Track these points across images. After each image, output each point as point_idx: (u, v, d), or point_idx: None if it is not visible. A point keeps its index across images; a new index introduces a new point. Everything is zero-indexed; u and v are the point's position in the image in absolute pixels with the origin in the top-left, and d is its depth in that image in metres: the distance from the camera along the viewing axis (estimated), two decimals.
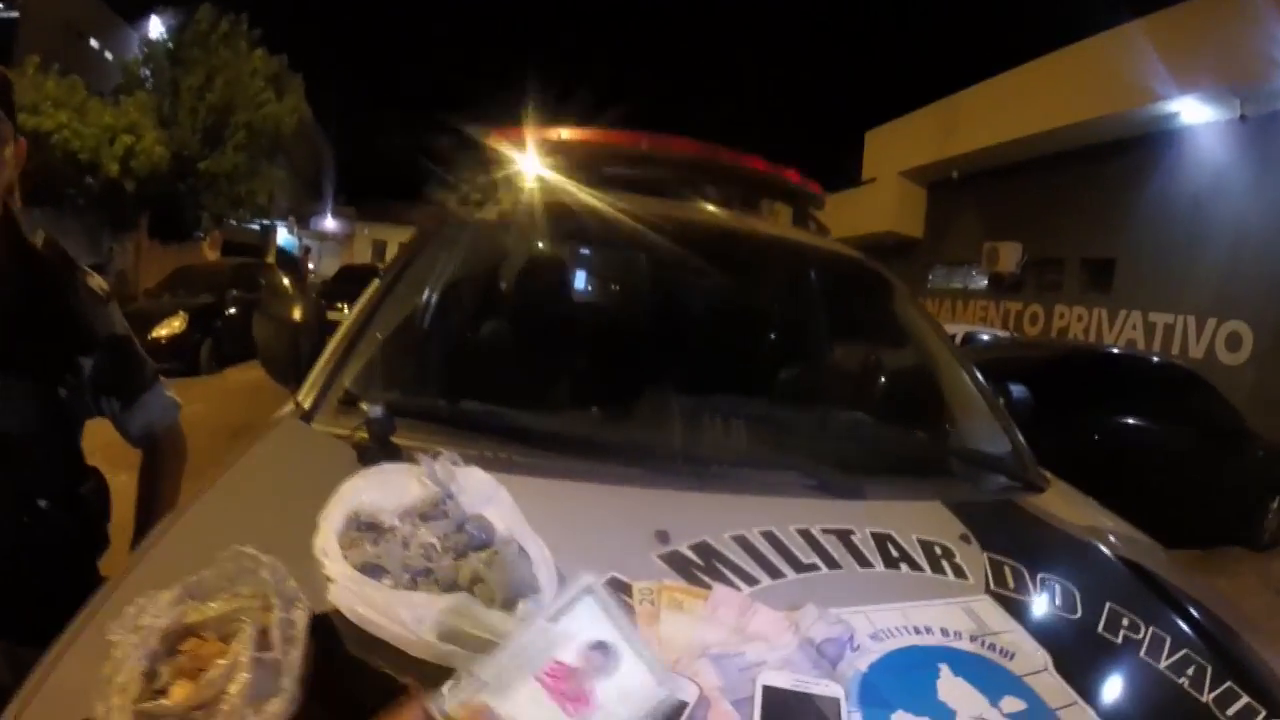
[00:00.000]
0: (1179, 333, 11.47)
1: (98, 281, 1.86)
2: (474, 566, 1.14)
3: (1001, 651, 1.31)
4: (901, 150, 17.82)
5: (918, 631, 1.30)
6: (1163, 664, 1.37)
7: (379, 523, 1.17)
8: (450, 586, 1.11)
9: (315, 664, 0.95)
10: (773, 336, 2.54)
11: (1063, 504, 1.98)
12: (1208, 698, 1.31)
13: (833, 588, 1.37)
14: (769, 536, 1.47)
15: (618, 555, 1.33)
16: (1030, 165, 14.03)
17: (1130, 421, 6.98)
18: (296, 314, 2.02)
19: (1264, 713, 1.30)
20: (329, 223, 35.34)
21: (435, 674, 0.99)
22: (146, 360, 1.98)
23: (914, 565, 1.50)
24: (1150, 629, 1.44)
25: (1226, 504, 7.58)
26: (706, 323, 2.56)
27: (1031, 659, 1.31)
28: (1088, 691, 1.26)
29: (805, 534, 1.50)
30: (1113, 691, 1.31)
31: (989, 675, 1.25)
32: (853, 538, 1.52)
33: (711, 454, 1.84)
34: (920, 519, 1.66)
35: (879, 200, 17.93)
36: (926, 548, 1.55)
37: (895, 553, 1.52)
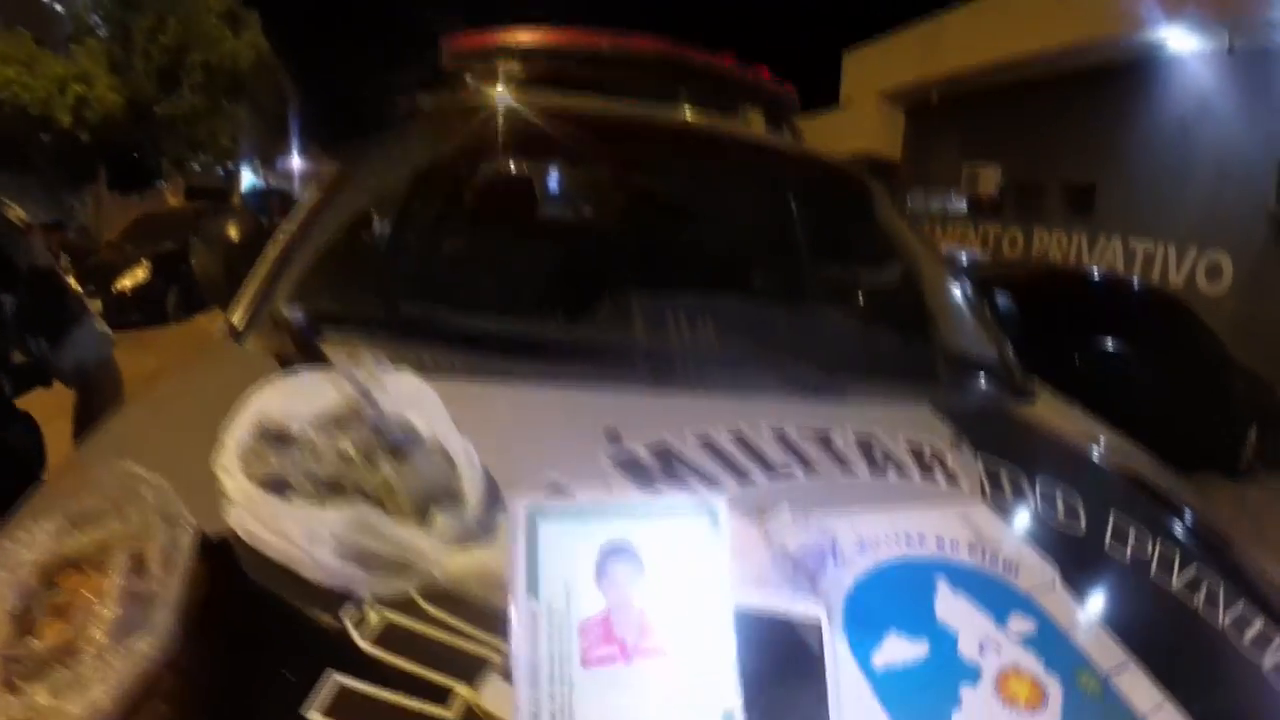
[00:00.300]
0: (1159, 261, 11.44)
1: (16, 213, 1.75)
2: (384, 474, 0.99)
3: (1004, 565, 1.16)
4: (880, 72, 17.44)
5: (909, 542, 1.14)
6: (1175, 585, 1.24)
7: (287, 433, 1.04)
8: (359, 498, 0.98)
9: (205, 594, 0.84)
10: (745, 239, 2.36)
11: (1055, 413, 1.84)
12: (1224, 621, 1.19)
13: (810, 493, 1.22)
14: (737, 437, 1.30)
15: (558, 456, 1.17)
16: (1012, 89, 13.84)
17: (1111, 345, 6.88)
18: (232, 233, 1.90)
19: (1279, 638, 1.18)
20: (297, 163, 34.74)
21: (337, 601, 0.89)
22: (74, 293, 1.88)
23: (901, 471, 1.34)
24: (1158, 545, 1.31)
25: (1206, 431, 7.51)
26: (671, 225, 2.38)
27: (1038, 574, 1.16)
28: (1100, 610, 1.13)
29: (779, 435, 1.34)
30: (1127, 613, 1.16)
31: (992, 591, 1.09)
32: (832, 440, 1.36)
33: (673, 350, 1.68)
34: (906, 422, 1.50)
35: (857, 122, 17.64)
36: (915, 452, 1.40)
37: (880, 457, 1.36)
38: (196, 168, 25.81)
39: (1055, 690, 0.97)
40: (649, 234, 2.32)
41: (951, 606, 1.03)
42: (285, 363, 1.33)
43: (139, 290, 10.65)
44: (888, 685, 0.92)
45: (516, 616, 0.78)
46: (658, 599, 0.80)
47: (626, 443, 1.23)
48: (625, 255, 2.18)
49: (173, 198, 23.29)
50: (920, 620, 1.00)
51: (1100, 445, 1.72)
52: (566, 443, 1.24)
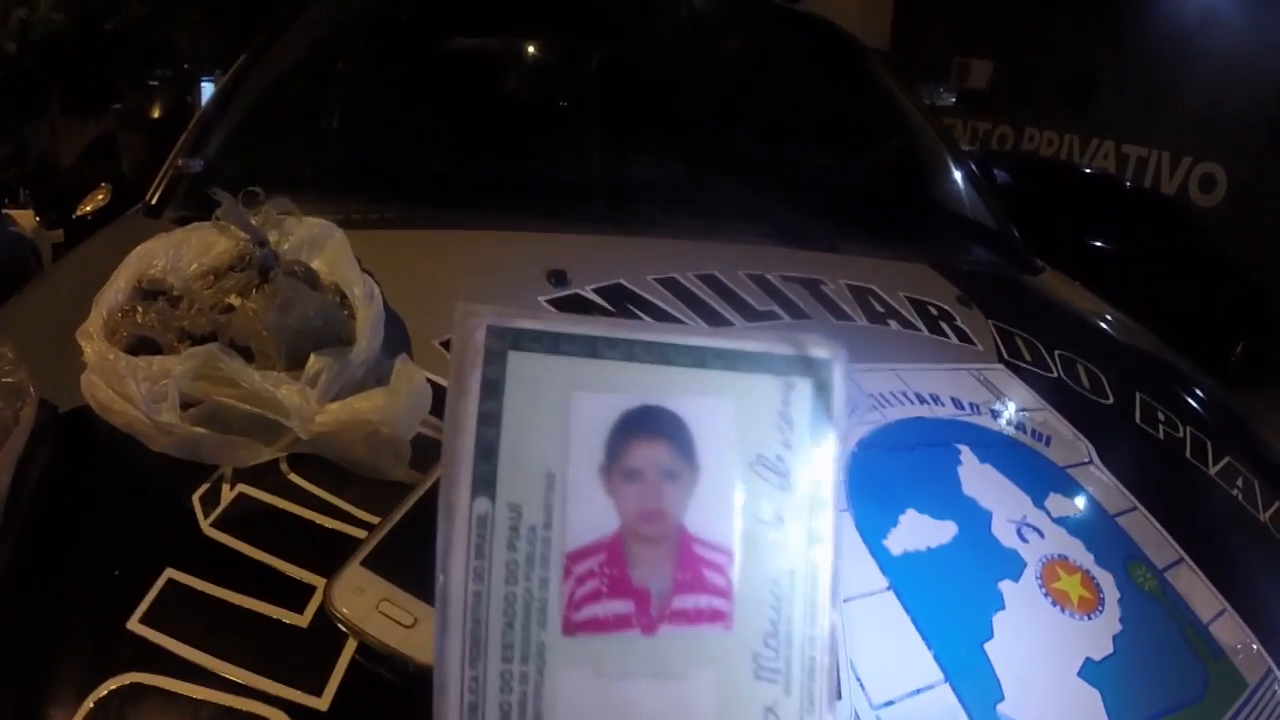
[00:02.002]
0: (1152, 167, 11.26)
1: None
2: (256, 317, 0.78)
3: (1034, 434, 0.96)
4: None
5: (922, 400, 0.93)
6: (1211, 471, 1.06)
7: (165, 289, 0.85)
8: (231, 348, 0.76)
9: (41, 476, 0.71)
10: (723, 88, 2.11)
11: (1063, 287, 1.66)
12: (1265, 516, 1.03)
13: None
14: (709, 280, 1.09)
15: (487, 300, 0.91)
16: None
17: (1102, 244, 6.76)
18: (155, 110, 1.80)
19: None
20: None
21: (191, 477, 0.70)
22: None
23: (905, 323, 1.13)
24: (1189, 428, 1.12)
25: (1194, 339, 7.41)
26: (640, 69, 2.12)
27: (1072, 448, 0.96)
28: (1142, 494, 0.92)
29: (759, 280, 1.12)
30: (1171, 498, 0.97)
31: (1026, 463, 0.89)
32: (823, 287, 1.15)
33: (636, 191, 1.46)
34: (906, 277, 1.30)
35: (843, 7, 17.21)
36: (919, 306, 1.19)
37: (880, 308, 1.15)
38: (154, 83, 25.05)
39: (1110, 587, 0.77)
40: (619, 83, 2.07)
41: (980, 479, 0.82)
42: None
43: (100, 213, 10.64)
44: (906, 576, 0.70)
45: (447, 528, 0.40)
46: (716, 519, 0.44)
47: (573, 285, 1.02)
48: (586, 100, 1.94)
49: None
50: (943, 494, 0.79)
51: (1114, 322, 1.54)
52: (499, 286, 1.03)
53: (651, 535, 0.42)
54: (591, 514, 0.41)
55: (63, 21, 19.71)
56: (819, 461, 0.45)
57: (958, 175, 1.94)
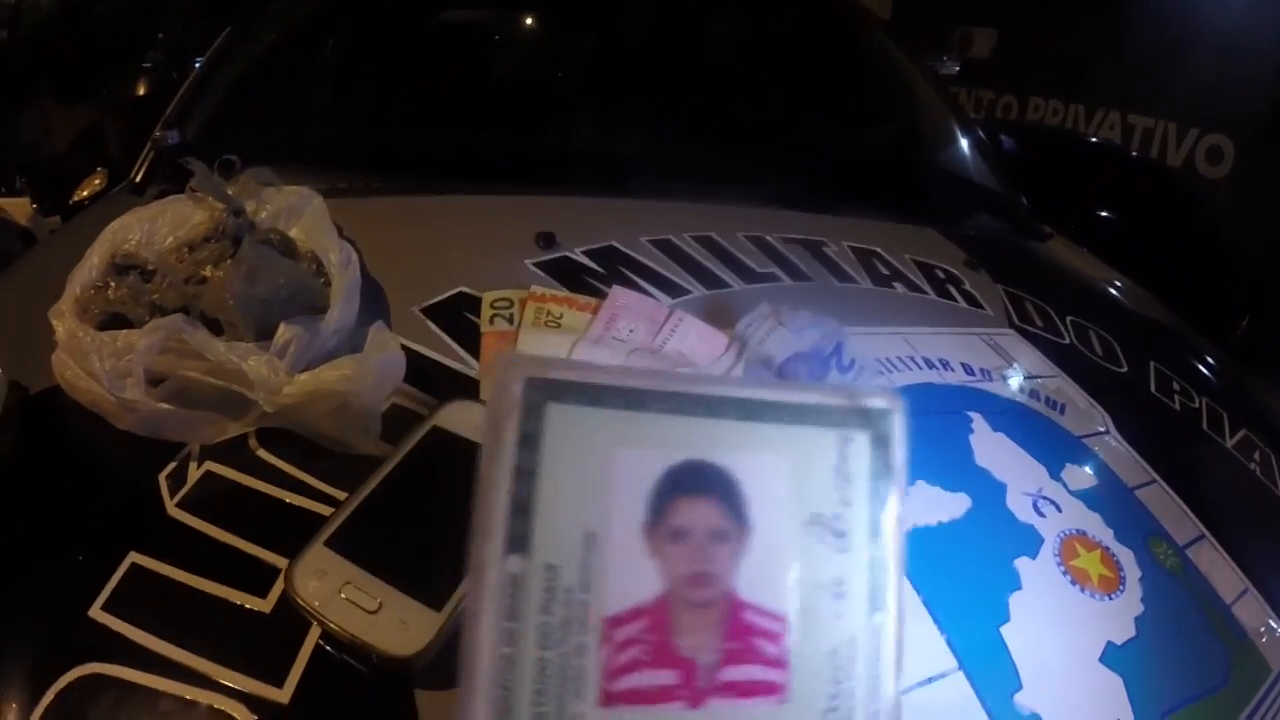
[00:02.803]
0: (1158, 138, 11.09)
1: None
2: (225, 287, 0.74)
3: (1048, 401, 0.91)
4: None
5: (930, 365, 0.88)
6: (1229, 443, 1.01)
7: (139, 263, 0.83)
8: (202, 322, 0.73)
9: (13, 459, 0.70)
10: (720, 53, 2.06)
11: (1071, 254, 1.61)
12: None
13: (801, 302, 0.93)
14: (706, 242, 1.04)
15: (472, 265, 0.92)
16: None
17: (1105, 214, 6.70)
18: (140, 88, 1.80)
19: None
20: None
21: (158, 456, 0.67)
22: None
23: (912, 286, 1.09)
24: (1204, 399, 1.08)
25: (1196, 315, 7.37)
26: (634, 33, 2.07)
27: (1087, 417, 0.92)
28: (1161, 467, 0.88)
29: (758, 241, 1.07)
30: (1189, 472, 0.92)
31: (1040, 432, 0.85)
32: (826, 249, 1.10)
33: (629, 155, 1.40)
34: (912, 240, 1.25)
35: None
36: (925, 269, 1.14)
37: (885, 270, 1.10)
38: (146, 66, 24.89)
39: (1131, 565, 0.72)
40: (608, 44, 2.03)
41: (993, 448, 0.78)
42: None
43: (97, 199, 10.65)
44: (917, 553, 0.64)
45: (476, 586, 0.36)
46: (769, 583, 0.39)
47: (562, 247, 0.97)
48: (577, 66, 1.91)
49: None
50: (956, 465, 0.75)
51: (1122, 288, 1.50)
52: (485, 250, 0.99)
53: (699, 599, 0.37)
54: (633, 576, 0.37)
55: (52, 7, 19.63)
56: (880, 520, 0.40)
57: (963, 141, 1.88)
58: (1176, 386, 1.08)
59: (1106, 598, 0.68)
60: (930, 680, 0.58)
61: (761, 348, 0.74)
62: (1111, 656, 0.64)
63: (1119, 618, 0.67)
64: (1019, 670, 0.60)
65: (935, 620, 0.61)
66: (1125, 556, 0.73)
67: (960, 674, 0.59)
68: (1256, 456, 1.01)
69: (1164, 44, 10.80)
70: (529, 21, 2.06)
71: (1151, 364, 1.11)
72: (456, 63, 1.80)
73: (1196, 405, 1.06)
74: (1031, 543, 0.70)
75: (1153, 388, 1.06)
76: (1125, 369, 1.08)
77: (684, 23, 2.00)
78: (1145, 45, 11.15)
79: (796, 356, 0.73)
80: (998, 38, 13.40)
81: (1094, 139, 10.49)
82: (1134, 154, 9.66)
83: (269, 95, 1.65)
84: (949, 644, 0.60)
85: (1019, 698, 0.58)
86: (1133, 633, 0.66)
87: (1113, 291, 1.46)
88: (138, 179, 1.30)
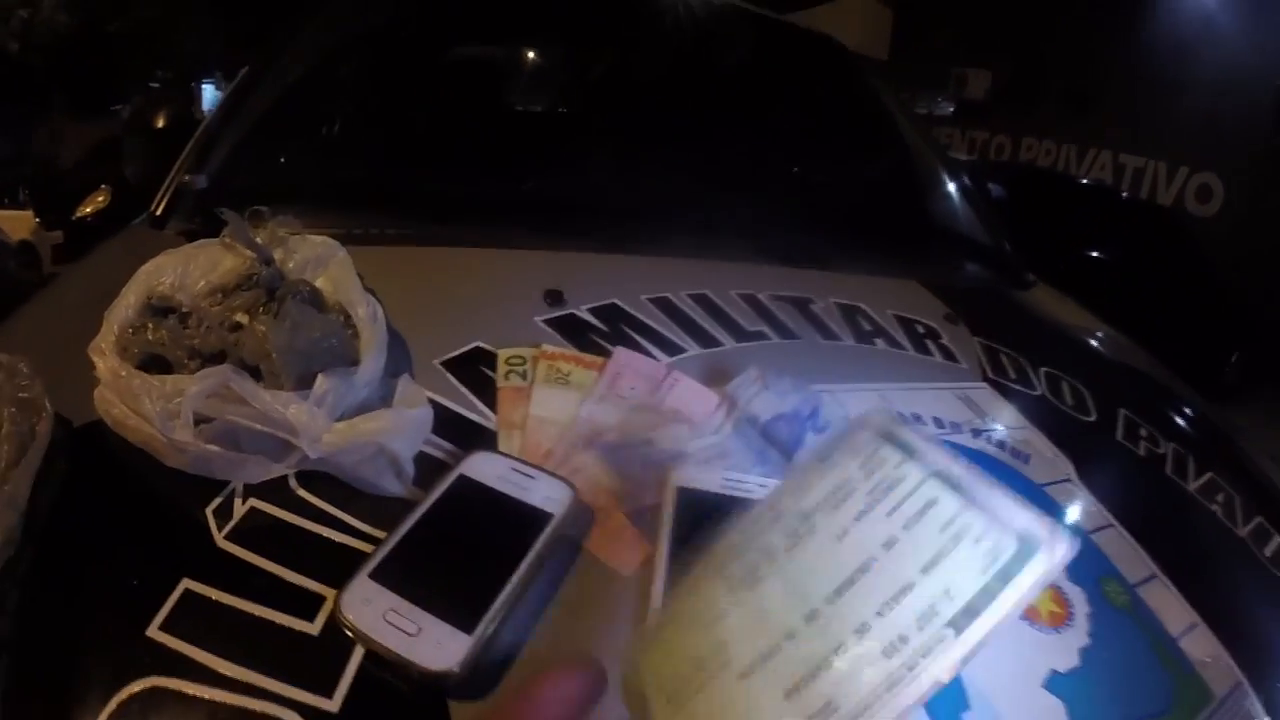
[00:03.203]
0: (1149, 177, 11.27)
1: None
2: (265, 338, 0.81)
3: (1013, 452, 0.99)
4: None
5: (905, 421, 0.94)
6: (1191, 487, 1.08)
7: (174, 306, 0.88)
8: (241, 368, 0.79)
9: (59, 490, 0.73)
10: (719, 105, 2.13)
11: (1054, 302, 1.68)
12: (1244, 532, 1.04)
13: (787, 361, 1.03)
14: (701, 300, 1.12)
15: (486, 320, 0.99)
16: None
17: (1097, 254, 6.78)
18: (159, 120, 1.80)
19: None
20: None
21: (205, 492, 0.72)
22: None
23: (892, 342, 1.16)
24: (1171, 444, 1.15)
25: (1189, 350, 7.45)
26: (638, 89, 2.14)
27: (1051, 466, 0.99)
28: (1120, 511, 0.95)
29: (750, 299, 1.16)
30: (1148, 515, 0.99)
31: (1003, 481, 0.89)
32: (813, 306, 1.18)
33: (632, 211, 1.48)
34: (895, 294, 1.33)
35: (842, 19, 17.04)
36: (906, 325, 1.22)
37: (868, 326, 1.18)
38: (155, 86, 24.73)
39: (1081, 602, 0.79)
40: (618, 98, 2.10)
41: None
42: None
43: (100, 215, 10.47)
44: None
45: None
46: None
47: (569, 305, 1.05)
48: (585, 119, 1.98)
49: None
50: None
51: (1103, 337, 1.57)
52: (498, 305, 1.06)
53: None
54: None
55: (66, 23, 19.51)
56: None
57: (951, 189, 1.97)
58: (1144, 433, 1.15)
59: (1054, 631, 0.75)
60: None
61: (749, 408, 0.82)
62: (1055, 683, 0.70)
63: (1064, 649, 0.73)
64: (967, 693, 0.66)
65: None
66: (1076, 595, 0.79)
67: None
68: (1220, 499, 1.07)
69: (1154, 85, 10.92)
70: (536, 70, 2.14)
71: (1121, 412, 1.18)
72: (467, 107, 1.88)
73: (1162, 450, 1.13)
74: None
75: (1119, 435, 1.13)
76: (1094, 417, 1.15)
77: (681, 74, 2.08)
78: (1136, 86, 11.27)
79: (779, 417, 0.81)
80: (992, 79, 13.46)
81: (1085, 180, 10.57)
82: (1124, 194, 9.73)
83: (286, 134, 1.71)
84: None
85: (966, 716, 0.65)
86: (1077, 663, 0.73)
87: (1091, 340, 1.53)
88: (158, 212, 1.37)
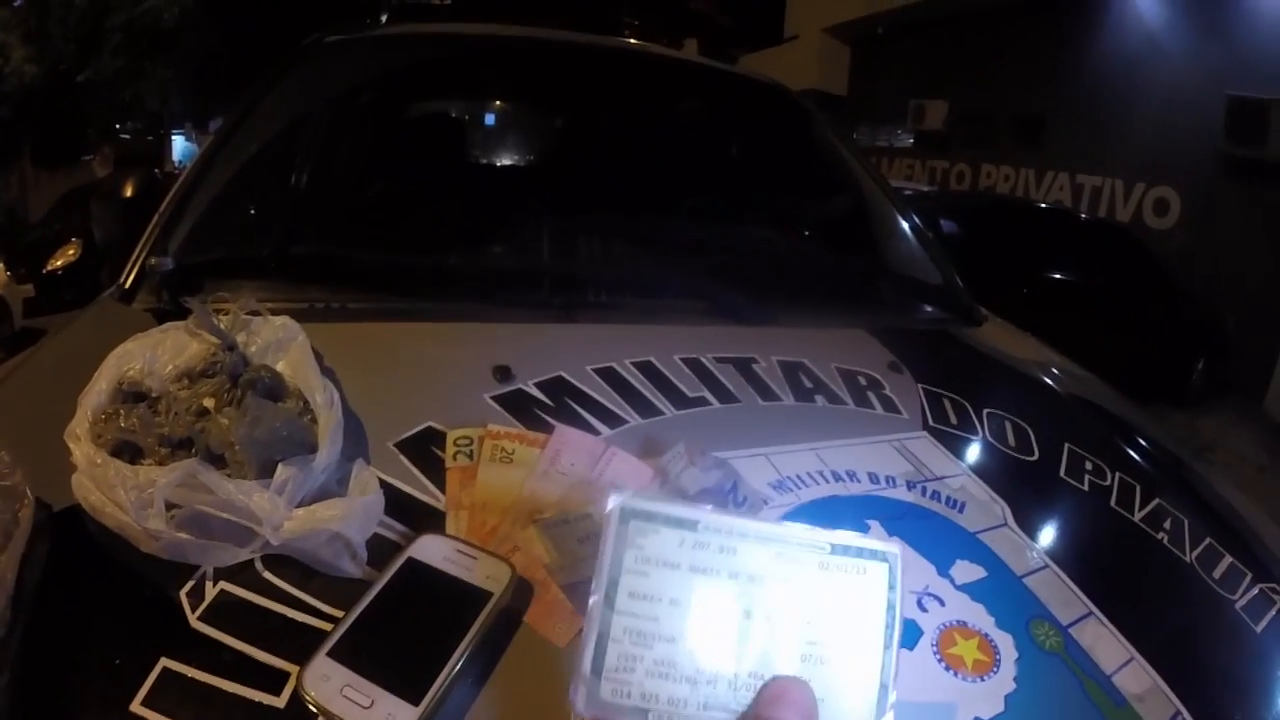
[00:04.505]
0: (1106, 195, 11.42)
1: None
2: (228, 427, 0.85)
3: (948, 501, 1.02)
4: (825, 6, 17.04)
5: (837, 478, 1.00)
6: (1137, 516, 1.11)
7: (144, 391, 0.93)
8: (207, 457, 0.84)
9: (41, 573, 0.77)
10: (668, 163, 2.18)
11: (1004, 337, 1.72)
12: (1191, 557, 1.06)
13: (725, 425, 1.08)
14: (645, 368, 1.16)
15: (438, 399, 1.03)
16: (959, 22, 13.62)
17: (1060, 276, 6.87)
18: (128, 189, 1.77)
19: (1250, 575, 1.05)
20: None
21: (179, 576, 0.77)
22: None
23: (833, 397, 1.20)
24: (1116, 475, 1.18)
25: (1155, 361, 7.54)
26: (590, 151, 2.21)
27: (986, 511, 1.02)
28: (1057, 551, 0.99)
29: (693, 364, 1.20)
30: (1088, 554, 1.02)
31: (934, 532, 0.96)
32: (755, 366, 1.22)
33: (581, 279, 1.52)
34: (841, 346, 1.37)
35: (802, 58, 17.38)
36: (848, 377, 1.26)
37: (809, 383, 1.22)
38: (125, 136, 24.58)
39: (1008, 648, 0.83)
40: (565, 162, 2.18)
41: None
42: (165, 319, 1.18)
43: (71, 269, 10.24)
44: None
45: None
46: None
47: (517, 380, 1.09)
48: (538, 184, 2.06)
49: (101, 169, 21.85)
50: None
51: (1052, 370, 1.59)
52: (449, 383, 1.10)
53: None
54: None
55: (35, 73, 19.40)
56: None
57: (901, 232, 2.01)
58: (1089, 466, 1.18)
59: (979, 679, 0.78)
60: None
61: (678, 482, 0.86)
62: None
63: (989, 696, 0.77)
64: None
65: None
66: (1004, 641, 0.82)
67: None
68: (1167, 525, 1.10)
69: (1107, 107, 11.08)
70: (488, 145, 2.19)
71: (1066, 447, 1.21)
72: (421, 182, 1.92)
73: (1108, 482, 1.15)
74: (911, 636, 0.80)
75: (1062, 471, 1.16)
76: (1036, 456, 1.18)
77: (631, 134, 2.14)
78: (1088, 109, 11.42)
79: (703, 491, 0.85)
80: (949, 109, 13.62)
81: (1044, 204, 10.72)
82: (1083, 215, 9.87)
83: (246, 211, 1.76)
84: None
85: None
86: (1001, 708, 0.76)
87: (1039, 375, 1.55)
88: (126, 285, 1.39)
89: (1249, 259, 9.26)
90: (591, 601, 0.53)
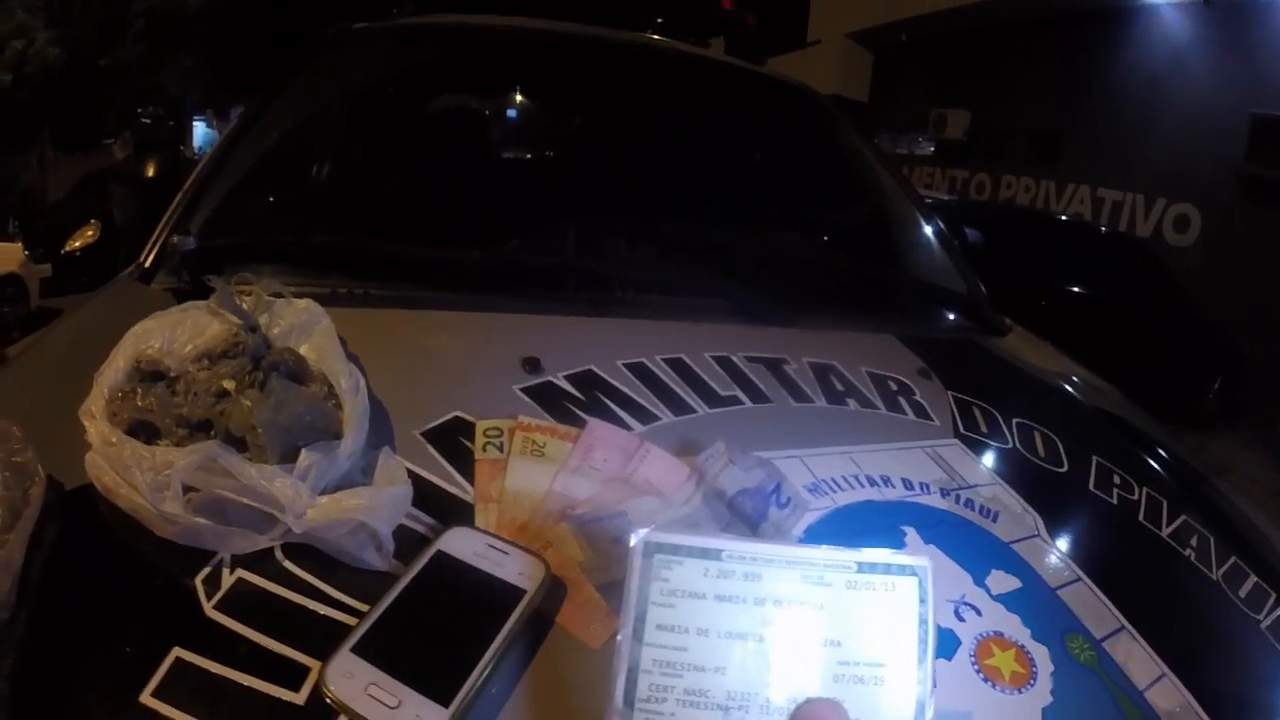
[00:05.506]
0: (1127, 210, 11.36)
1: None
2: (250, 410, 0.83)
3: (981, 510, 1.00)
4: (849, 11, 16.95)
5: (872, 483, 0.98)
6: (1165, 532, 1.09)
7: (162, 370, 0.89)
8: (227, 439, 0.81)
9: (50, 555, 0.74)
10: (696, 162, 2.17)
11: (1029, 348, 1.70)
12: (1217, 575, 1.05)
13: (758, 426, 1.05)
14: (676, 364, 1.14)
15: (466, 389, 1.01)
16: (983, 32, 13.54)
17: (1077, 289, 6.82)
18: (149, 170, 1.79)
19: (1274, 595, 1.04)
20: None
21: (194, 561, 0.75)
22: None
23: (865, 401, 1.18)
24: (1144, 490, 1.16)
25: (1169, 381, 7.49)
26: (617, 147, 2.18)
27: (1019, 521, 1.01)
28: (1089, 563, 0.97)
29: (724, 362, 1.18)
30: (1117, 566, 1.01)
31: (969, 541, 0.94)
32: (786, 367, 1.20)
33: (609, 274, 1.50)
34: (869, 351, 1.35)
35: (824, 63, 17.32)
36: (879, 382, 1.24)
37: (840, 386, 1.20)
38: (146, 121, 24.63)
39: (1044, 661, 0.81)
40: (592, 157, 2.15)
41: None
42: (184, 299, 1.15)
43: (89, 250, 10.33)
44: None
45: None
46: None
47: (547, 372, 1.06)
48: (565, 178, 2.00)
49: (121, 153, 21.93)
50: None
51: (1077, 382, 1.58)
52: (477, 372, 1.08)
53: None
54: None
55: (58, 56, 19.44)
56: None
57: (927, 239, 1.99)
58: (1117, 480, 1.16)
59: (1016, 692, 0.76)
60: None
61: (716, 482, 0.85)
62: None
63: (1027, 709, 0.75)
64: None
65: None
66: (1040, 653, 0.81)
67: None
68: (1194, 542, 1.08)
69: (1130, 121, 11.01)
70: (516, 134, 2.17)
71: (1094, 460, 1.19)
72: (449, 168, 1.89)
73: (1136, 497, 1.14)
74: (949, 645, 0.79)
75: (1091, 484, 1.14)
76: (1065, 468, 1.16)
77: (655, 135, 2.11)
78: (1111, 123, 11.35)
79: (743, 492, 0.84)
80: (970, 118, 13.52)
81: (1064, 216, 10.65)
82: (1103, 229, 9.81)
83: (271, 192, 1.74)
84: None
85: None
86: None
87: (1065, 386, 1.54)
88: (146, 264, 1.37)
89: (1267, 281, 9.18)
90: (620, 636, 0.53)
